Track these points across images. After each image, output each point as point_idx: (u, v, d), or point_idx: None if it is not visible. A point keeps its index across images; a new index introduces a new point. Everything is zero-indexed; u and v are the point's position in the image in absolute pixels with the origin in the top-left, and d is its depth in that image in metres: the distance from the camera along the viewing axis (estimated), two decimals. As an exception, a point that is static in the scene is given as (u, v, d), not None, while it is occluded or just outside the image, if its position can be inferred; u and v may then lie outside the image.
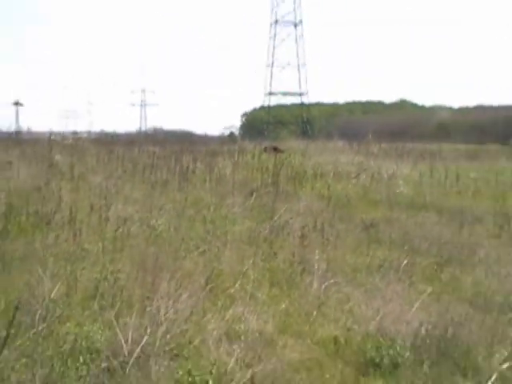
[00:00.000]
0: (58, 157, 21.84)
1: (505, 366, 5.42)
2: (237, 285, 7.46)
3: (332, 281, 7.86)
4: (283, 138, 39.55)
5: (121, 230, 10.44)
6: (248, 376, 4.84)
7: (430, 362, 5.45)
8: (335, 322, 6.45)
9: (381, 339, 5.69)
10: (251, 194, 14.34)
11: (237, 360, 5.11)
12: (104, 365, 5.27)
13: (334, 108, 63.54)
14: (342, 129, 47.29)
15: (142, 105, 66.21)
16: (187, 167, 18.13)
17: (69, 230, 10.05)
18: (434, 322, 5.97)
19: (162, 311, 6.27)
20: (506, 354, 5.61)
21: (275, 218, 11.42)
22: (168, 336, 5.70)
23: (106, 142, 37.96)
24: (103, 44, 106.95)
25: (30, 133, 46.94)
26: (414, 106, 65.24)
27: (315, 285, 7.66)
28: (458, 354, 5.57)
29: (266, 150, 29.41)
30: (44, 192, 13.25)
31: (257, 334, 5.80)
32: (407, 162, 24.36)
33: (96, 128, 59.69)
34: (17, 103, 50.36)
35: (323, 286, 7.58)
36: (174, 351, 5.57)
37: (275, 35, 70.68)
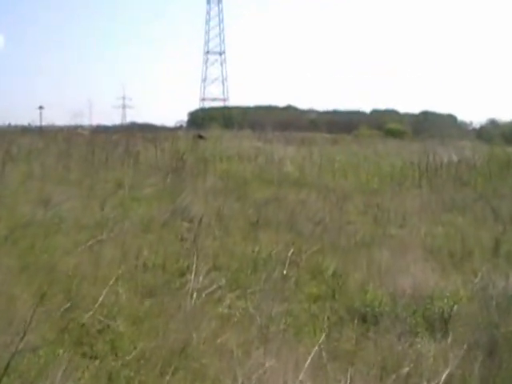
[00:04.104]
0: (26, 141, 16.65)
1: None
2: (97, 303, 3.85)
3: (214, 286, 4.45)
4: (212, 129, 35.72)
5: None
6: None
7: None
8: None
9: None
10: (166, 175, 10.56)
11: None
12: None
13: (246, 109, 60.67)
14: (250, 123, 43.74)
15: (122, 107, 62.76)
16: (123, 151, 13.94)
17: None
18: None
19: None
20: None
21: (178, 201, 7.82)
22: None
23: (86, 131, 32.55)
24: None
25: (51, 126, 42.32)
26: (296, 109, 63.47)
27: (194, 295, 4.18)
28: None
29: (194, 137, 25.25)
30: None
31: None
32: (292, 146, 20.94)
33: (94, 123, 54.66)
34: (40, 107, 48.60)
35: (200, 299, 4.13)
36: None
37: (207, 60, 68.25)
